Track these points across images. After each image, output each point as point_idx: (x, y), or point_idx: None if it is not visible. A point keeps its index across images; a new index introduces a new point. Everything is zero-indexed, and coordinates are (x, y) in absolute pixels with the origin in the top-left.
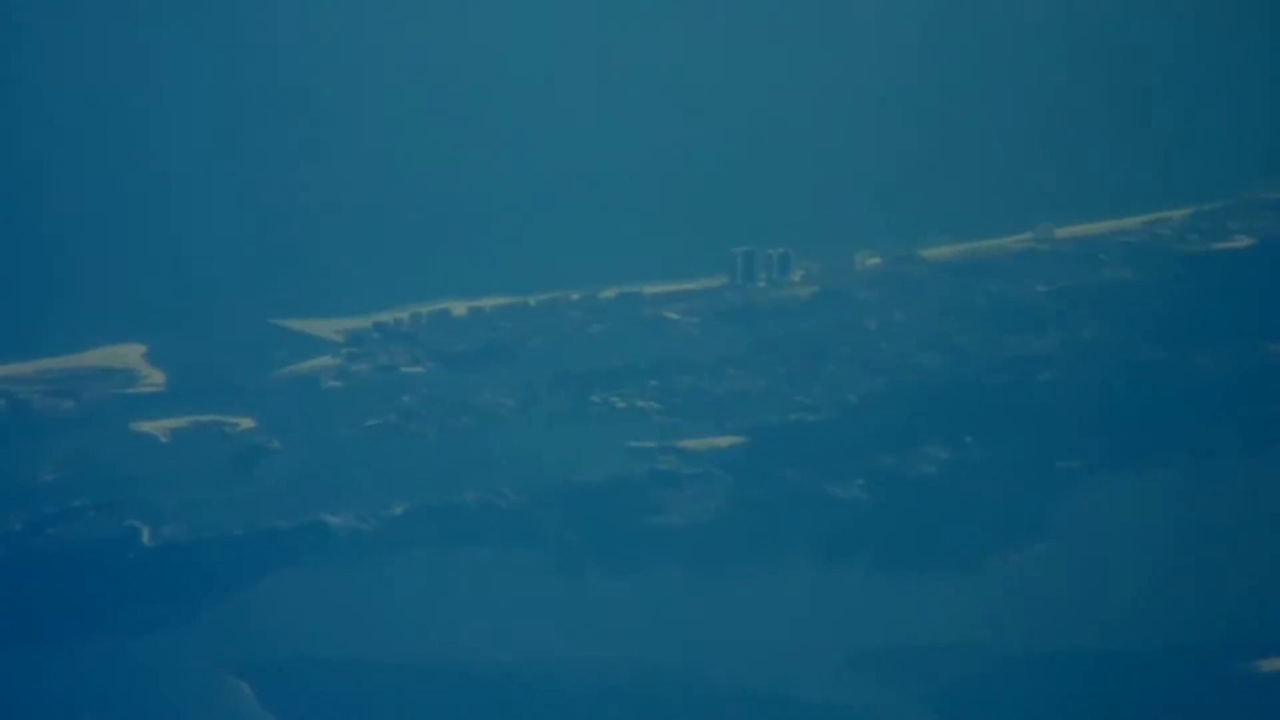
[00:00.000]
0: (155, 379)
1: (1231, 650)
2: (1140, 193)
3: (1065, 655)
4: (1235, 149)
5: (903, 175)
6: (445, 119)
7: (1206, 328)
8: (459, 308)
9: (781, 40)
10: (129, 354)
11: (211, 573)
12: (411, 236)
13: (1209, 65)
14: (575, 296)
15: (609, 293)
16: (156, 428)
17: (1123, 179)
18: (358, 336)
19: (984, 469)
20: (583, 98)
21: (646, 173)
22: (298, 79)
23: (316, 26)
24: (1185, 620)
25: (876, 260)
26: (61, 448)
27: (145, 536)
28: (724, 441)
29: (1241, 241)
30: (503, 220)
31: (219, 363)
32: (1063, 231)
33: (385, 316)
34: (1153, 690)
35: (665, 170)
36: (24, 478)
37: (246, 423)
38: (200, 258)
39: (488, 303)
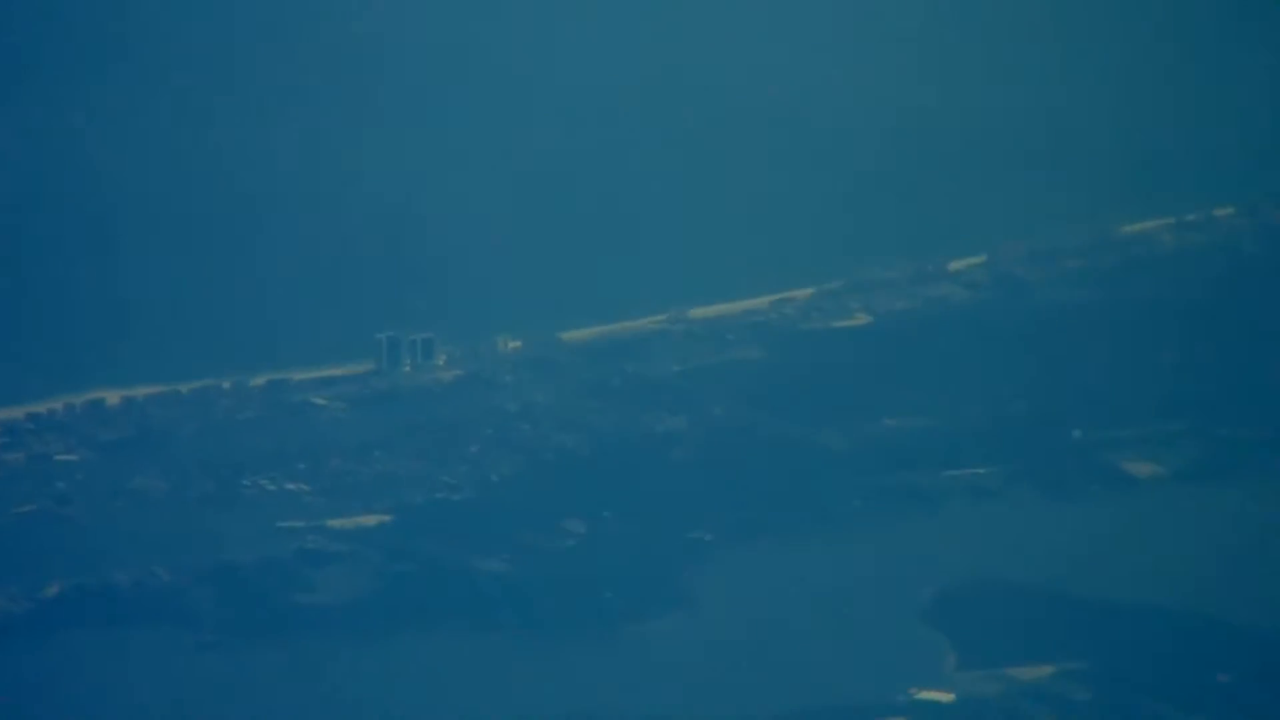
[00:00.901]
0: None
1: (866, 714)
2: (767, 274)
3: None
4: (854, 231)
5: (544, 261)
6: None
7: (829, 402)
8: (113, 397)
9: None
10: None
11: None
12: (63, 326)
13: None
14: (226, 385)
15: (259, 380)
16: None
17: (750, 261)
18: (10, 426)
19: (620, 542)
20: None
21: (294, 259)
22: None
23: None
24: (815, 686)
25: (518, 344)
26: None
27: None
28: (371, 520)
29: (861, 319)
30: (153, 309)
31: None
32: (696, 312)
33: (38, 407)
34: None
35: (312, 257)
36: None
37: None
38: None
39: (140, 391)
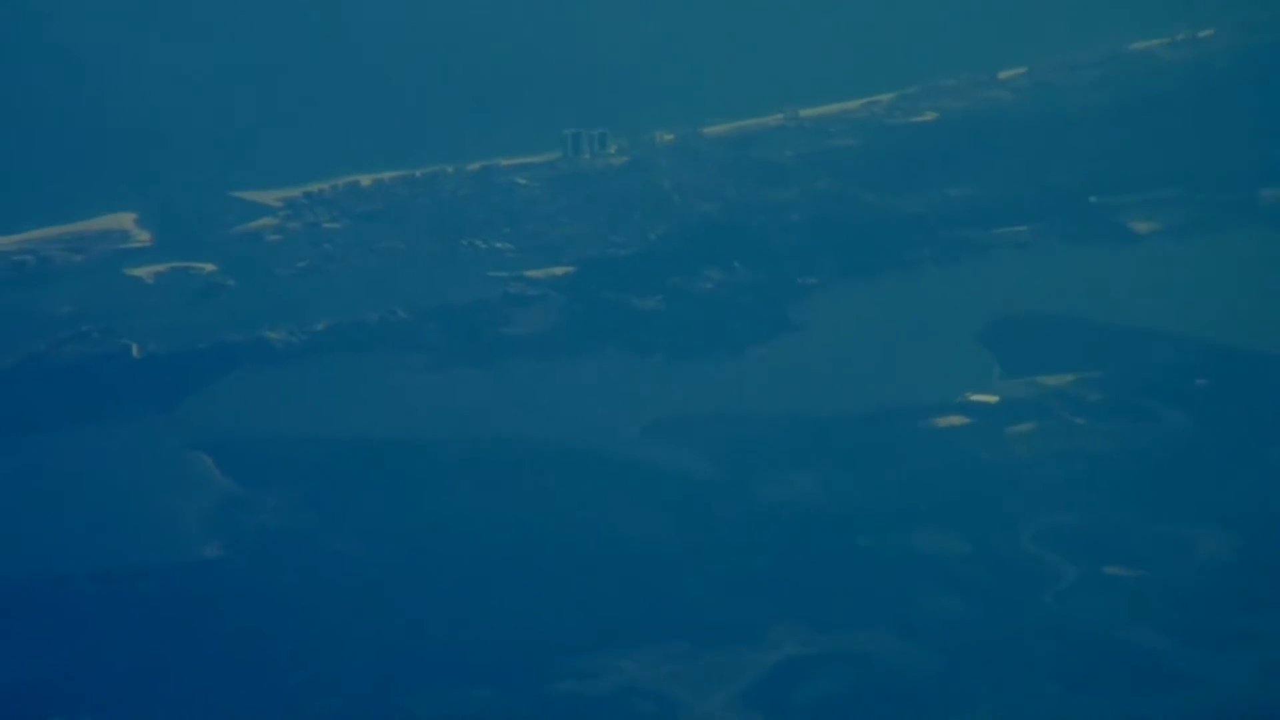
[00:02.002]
0: (143, 237)
1: (930, 411)
2: (859, 81)
3: None
4: (924, 46)
5: (688, 68)
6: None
7: (906, 178)
8: (365, 179)
9: None
10: (124, 220)
11: (182, 376)
12: (327, 122)
13: None
14: (450, 169)
15: (475, 165)
16: (144, 273)
17: (844, 69)
18: (291, 202)
19: (747, 285)
20: None
21: (499, 66)
22: None
23: None
24: (892, 388)
25: (670, 137)
26: (74, 289)
27: (134, 351)
28: (558, 270)
29: (930, 116)
30: (393, 109)
31: (190, 224)
32: (805, 111)
33: (311, 187)
34: None
35: (512, 63)
36: (46, 311)
37: (209, 267)
38: (177, 142)
39: (386, 175)
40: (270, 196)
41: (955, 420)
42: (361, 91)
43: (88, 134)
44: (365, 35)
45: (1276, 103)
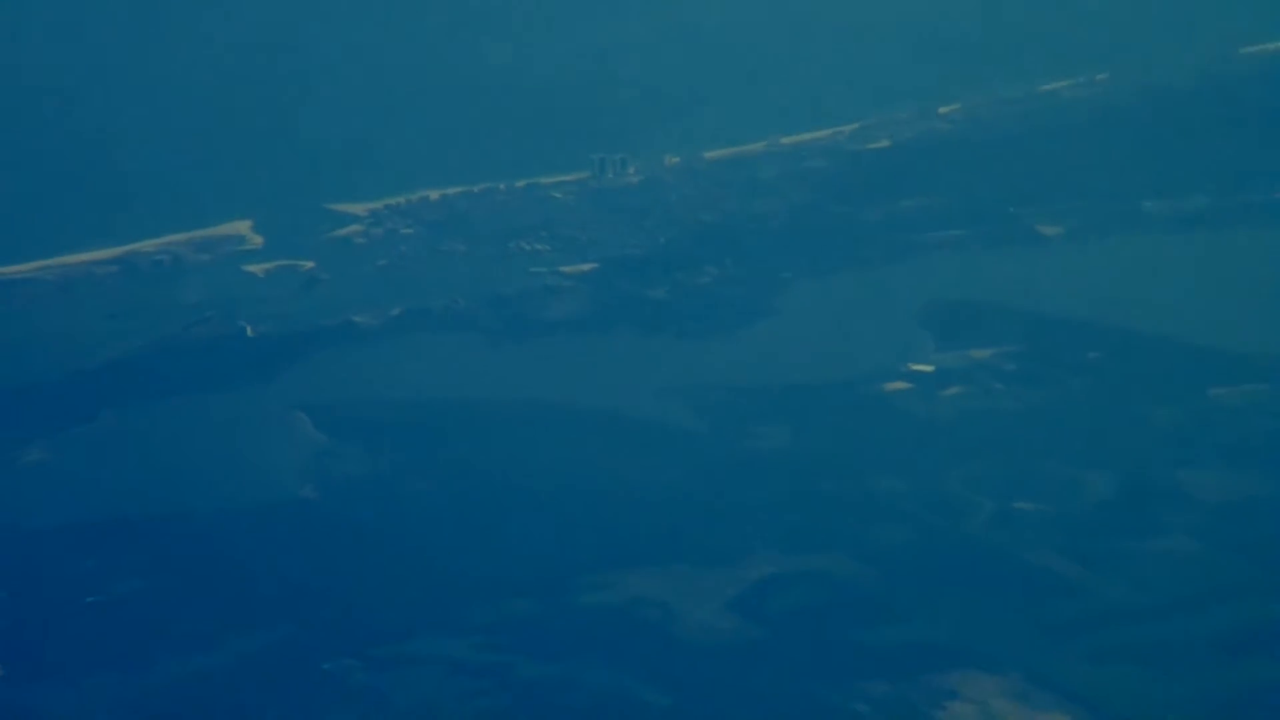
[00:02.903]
0: (256, 240)
1: (876, 378)
2: (827, 113)
3: None
4: (878, 85)
5: (689, 103)
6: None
7: (866, 191)
8: (434, 194)
9: None
10: (242, 226)
11: (286, 352)
12: (404, 147)
13: None
14: (501, 186)
15: (521, 183)
16: (257, 269)
17: (815, 101)
18: (375, 213)
19: (734, 279)
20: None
21: (542, 106)
22: None
23: None
24: (844, 358)
25: (676, 159)
26: (199, 282)
27: (248, 331)
28: (586, 266)
29: (885, 143)
30: (456, 138)
31: (295, 230)
32: (785, 139)
33: (391, 200)
34: None
35: (556, 104)
36: (178, 300)
37: (309, 264)
38: (285, 163)
39: (450, 190)
40: (359, 208)
41: (899, 385)
42: (430, 124)
43: (214, 155)
44: (433, 79)
45: (1156, 131)
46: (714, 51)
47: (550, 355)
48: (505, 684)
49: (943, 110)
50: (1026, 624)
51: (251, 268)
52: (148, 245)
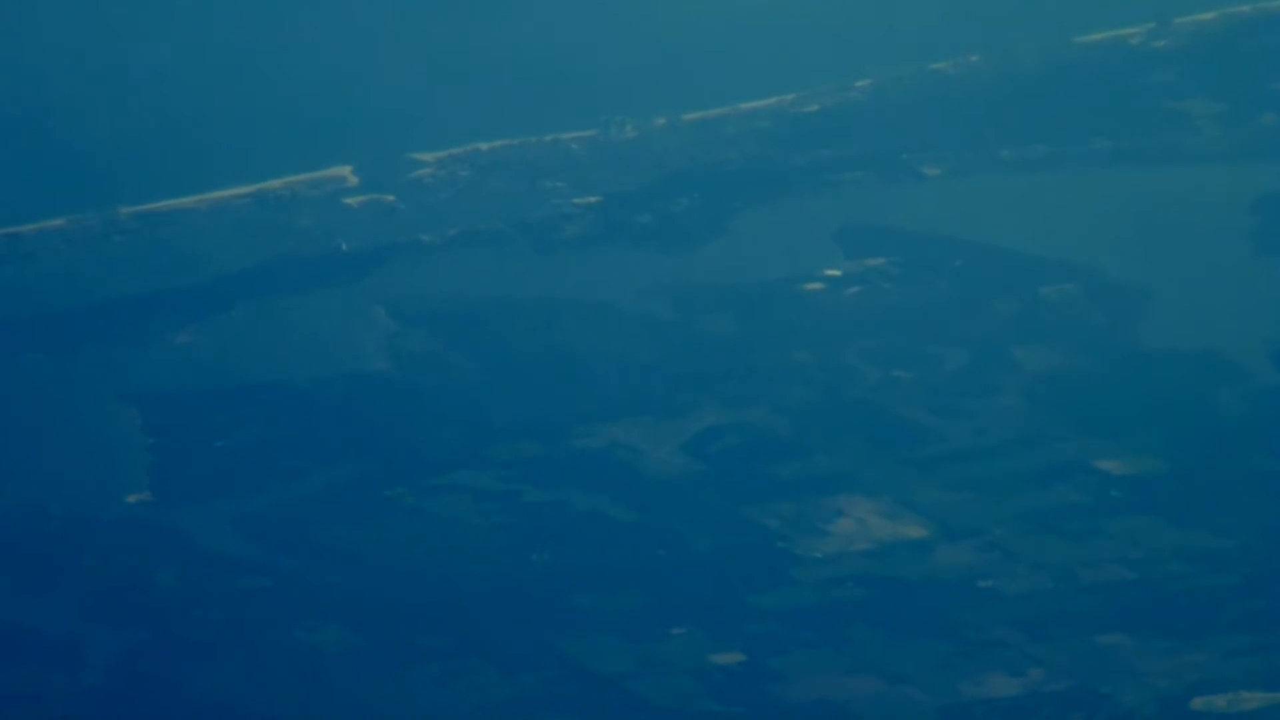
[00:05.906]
0: (353, 180)
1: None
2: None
3: None
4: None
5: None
6: None
7: (797, 143)
8: (484, 145)
9: None
10: (344, 170)
11: (370, 262)
12: (462, 108)
13: None
14: (533, 140)
15: (547, 138)
16: (353, 201)
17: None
18: (440, 160)
19: (702, 211)
20: None
21: (565, 76)
22: None
23: None
24: (771, 263)
25: (663, 121)
26: (310, 211)
27: (343, 247)
28: (592, 199)
29: (814, 108)
30: (496, 103)
31: (382, 172)
32: (743, 105)
33: (451, 150)
34: None
35: (577, 74)
36: (294, 225)
37: (390, 198)
38: (378, 120)
39: (496, 143)
40: (429, 156)
41: (815, 285)
42: (481, 91)
43: (324, 113)
44: (480, 55)
45: (1011, 99)
46: (694, 37)
47: (564, 264)
48: (514, 507)
49: (858, 84)
50: (898, 461)
51: (349, 200)
52: (274, 184)
